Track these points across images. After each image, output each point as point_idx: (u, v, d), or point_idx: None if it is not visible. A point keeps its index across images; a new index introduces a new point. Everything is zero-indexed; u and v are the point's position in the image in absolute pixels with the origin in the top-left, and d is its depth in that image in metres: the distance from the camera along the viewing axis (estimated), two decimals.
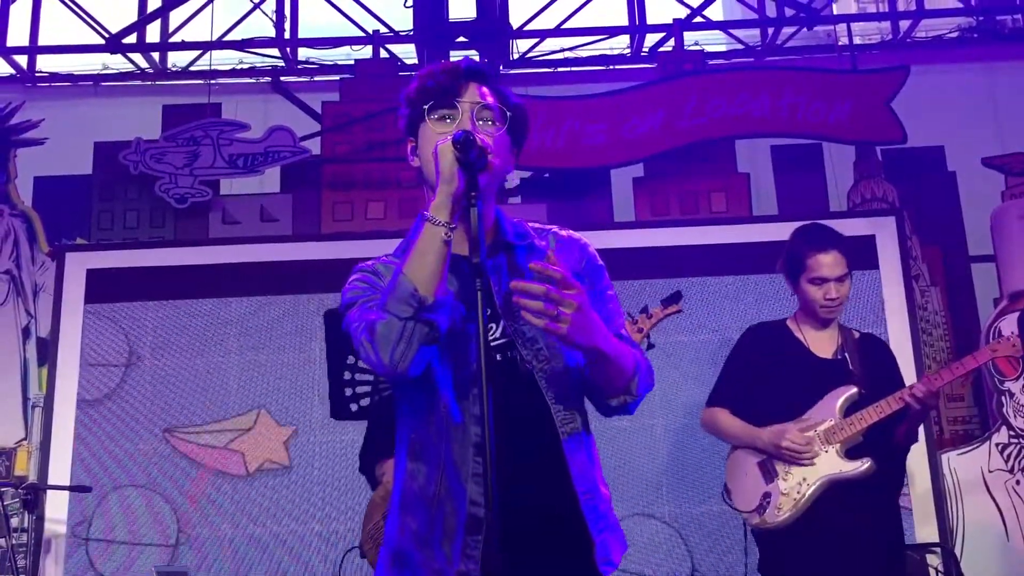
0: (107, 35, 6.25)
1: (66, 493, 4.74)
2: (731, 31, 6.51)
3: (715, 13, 6.70)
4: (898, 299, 4.99)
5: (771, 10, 6.38)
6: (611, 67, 6.34)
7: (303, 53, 6.42)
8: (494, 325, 1.85)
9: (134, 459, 4.89)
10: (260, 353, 5.02)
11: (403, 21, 6.24)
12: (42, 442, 4.93)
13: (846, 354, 3.27)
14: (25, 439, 5.14)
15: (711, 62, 6.09)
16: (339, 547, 4.69)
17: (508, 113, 1.87)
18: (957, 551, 4.69)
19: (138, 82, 6.42)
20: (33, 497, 4.49)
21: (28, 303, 5.41)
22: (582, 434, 1.87)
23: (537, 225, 2.02)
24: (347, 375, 4.91)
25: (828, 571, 3.00)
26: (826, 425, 3.16)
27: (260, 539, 4.77)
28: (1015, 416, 4.99)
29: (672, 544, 4.71)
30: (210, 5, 6.37)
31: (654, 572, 4.65)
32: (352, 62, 6.10)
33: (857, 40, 6.14)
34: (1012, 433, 4.98)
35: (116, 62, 6.41)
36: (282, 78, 6.21)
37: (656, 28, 6.27)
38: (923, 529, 4.66)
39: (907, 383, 3.31)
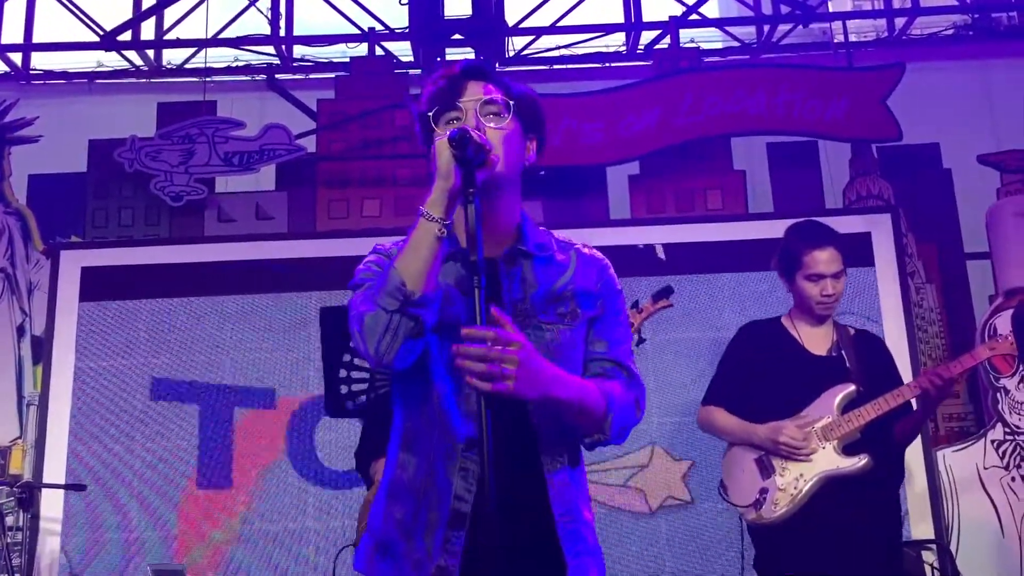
0: (102, 32, 6.24)
1: (61, 492, 4.73)
2: (727, 28, 6.51)
3: (711, 10, 6.70)
4: (894, 296, 4.99)
5: (767, 7, 6.39)
6: (607, 64, 6.34)
7: (298, 51, 6.41)
8: None
9: (128, 457, 4.88)
10: (256, 351, 5.01)
11: (399, 18, 6.24)
12: (37, 440, 4.92)
13: (842, 351, 3.27)
14: (20, 437, 5.13)
15: (707, 59, 6.09)
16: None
17: (512, 103, 1.86)
18: (953, 548, 4.70)
19: (133, 80, 6.41)
20: (28, 496, 4.48)
21: (23, 301, 5.40)
22: (565, 460, 1.85)
23: (564, 238, 2.00)
24: (343, 372, 4.90)
25: (825, 567, 3.00)
26: (824, 422, 3.16)
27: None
28: (1010, 413, 5.00)
29: (668, 541, 4.71)
30: (205, 2, 6.34)
31: (650, 570, 4.65)
32: (348, 60, 6.10)
33: (852, 37, 6.13)
34: (1007, 430, 4.99)
35: (111, 59, 6.40)
36: (277, 76, 6.20)
37: (652, 25, 6.28)
38: (919, 526, 4.67)
39: (904, 380, 3.31)
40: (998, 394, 5.04)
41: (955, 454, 4.97)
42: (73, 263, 5.16)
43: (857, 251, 4.70)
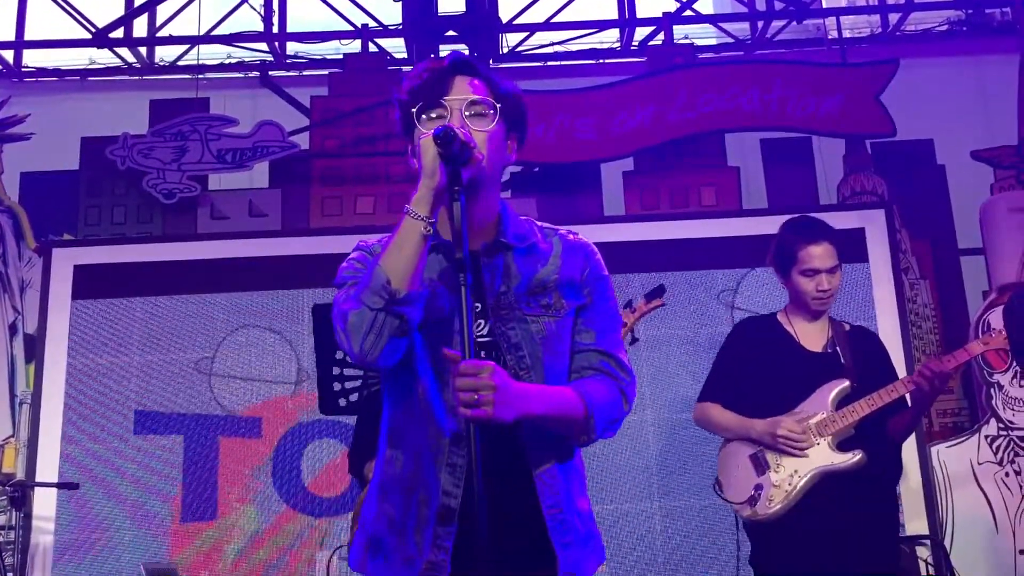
0: (94, 30, 6.22)
1: (54, 490, 4.71)
2: (721, 25, 6.51)
3: (705, 7, 6.70)
4: (888, 292, 5.00)
5: (761, 4, 6.40)
6: (601, 61, 6.34)
7: (292, 48, 6.40)
8: (483, 322, 1.84)
9: (121, 455, 4.87)
10: (249, 349, 5.00)
11: (392, 15, 6.24)
12: (30, 439, 4.91)
13: (837, 347, 3.27)
14: (12, 436, 5.11)
15: (701, 56, 6.10)
16: None
17: (498, 105, 1.85)
18: (947, 543, 4.71)
19: (125, 77, 6.40)
20: (21, 494, 4.47)
21: (15, 299, 5.38)
22: (553, 456, 1.84)
23: (547, 226, 1.99)
24: (336, 370, 4.89)
25: (820, 563, 3.00)
26: (818, 418, 3.15)
27: None
28: (1004, 408, 5.01)
29: (663, 537, 4.71)
30: None
31: (646, 565, 4.65)
32: (341, 56, 6.09)
33: (846, 34, 6.15)
34: (1001, 425, 5.00)
35: (103, 57, 6.39)
36: (270, 73, 6.19)
37: (646, 22, 6.28)
38: (913, 521, 4.68)
39: (898, 376, 3.31)
40: (992, 389, 5.05)
41: (949, 449, 4.98)
42: (65, 261, 5.14)
43: (851, 247, 4.70)
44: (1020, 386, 5.02)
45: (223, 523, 4.80)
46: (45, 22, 6.42)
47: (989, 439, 4.99)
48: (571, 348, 1.89)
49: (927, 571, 4.48)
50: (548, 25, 6.34)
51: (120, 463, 4.86)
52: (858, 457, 3.10)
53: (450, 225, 1.69)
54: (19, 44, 6.28)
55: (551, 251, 1.92)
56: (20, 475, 4.88)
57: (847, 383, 3.18)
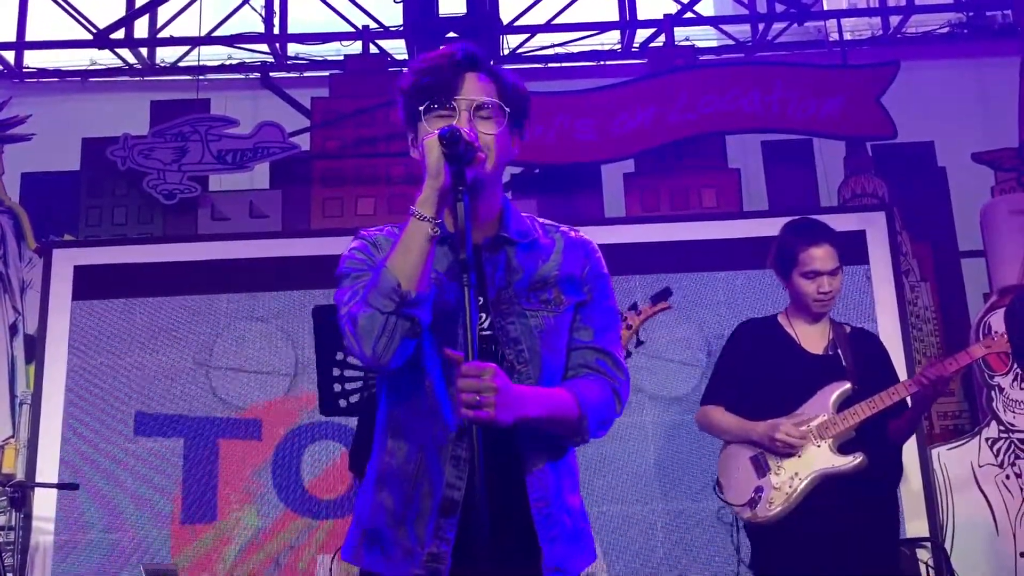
0: (95, 30, 6.22)
1: (54, 491, 4.71)
2: (721, 27, 6.51)
3: (705, 9, 6.70)
4: (888, 294, 5.00)
5: (762, 6, 6.40)
6: (602, 63, 6.34)
7: (292, 49, 6.40)
8: (484, 315, 1.85)
9: (121, 456, 4.86)
10: (250, 349, 5.00)
11: (393, 16, 6.23)
12: (30, 440, 4.90)
13: (838, 349, 3.27)
14: (12, 437, 5.11)
15: (702, 58, 6.10)
16: None
17: (507, 109, 1.85)
18: (947, 546, 4.70)
19: (126, 78, 6.40)
20: (20, 495, 4.47)
21: (15, 300, 5.37)
22: (544, 450, 1.85)
23: (549, 223, 1.99)
24: (336, 371, 4.89)
25: (820, 566, 3.00)
26: (819, 420, 3.15)
27: None
28: (1005, 411, 5.00)
29: (663, 539, 4.71)
30: (199, 1, 6.33)
31: (646, 568, 4.64)
32: (342, 58, 6.09)
33: (847, 36, 6.14)
34: (1002, 428, 4.99)
35: (104, 58, 6.39)
36: (271, 74, 6.20)
37: (647, 24, 6.28)
38: (913, 524, 4.67)
39: (900, 378, 3.31)
40: (992, 392, 5.05)
41: (950, 452, 4.97)
42: (66, 261, 5.14)
43: (851, 249, 4.69)
44: (1021, 388, 5.01)
45: (223, 524, 4.79)
46: (46, 23, 6.43)
47: (990, 441, 4.99)
48: (568, 344, 1.90)
49: (927, 574, 4.48)
50: (549, 27, 6.34)
51: (120, 464, 4.86)
52: (859, 460, 3.10)
53: (454, 224, 1.70)
54: (20, 45, 6.29)
55: (553, 247, 1.93)
56: (20, 476, 4.87)
57: (848, 385, 3.18)
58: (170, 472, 4.85)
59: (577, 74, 6.10)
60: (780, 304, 3.46)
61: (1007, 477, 4.91)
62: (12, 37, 6.27)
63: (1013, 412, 5.00)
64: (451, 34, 5.88)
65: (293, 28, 6.37)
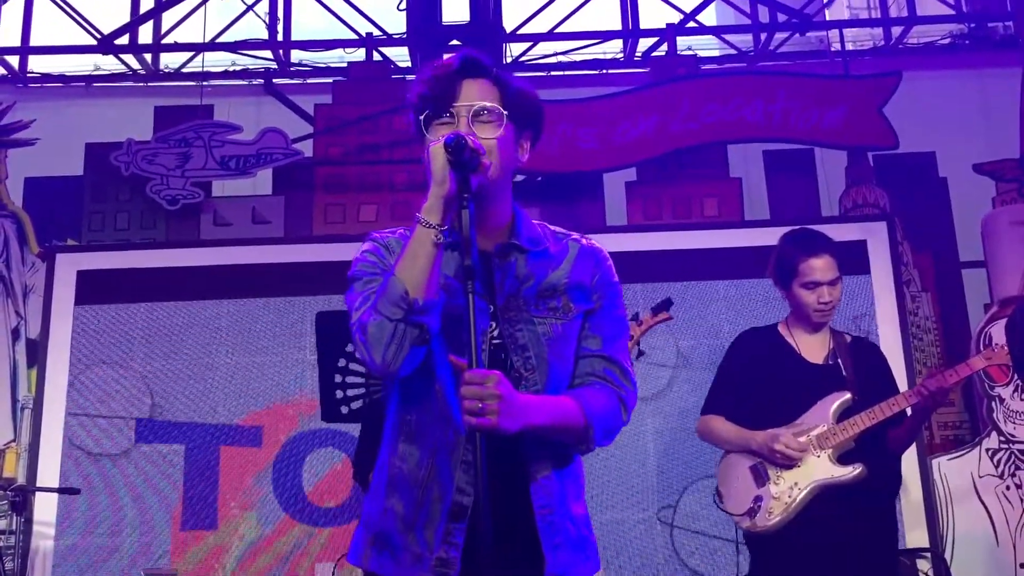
0: (99, 36, 6.24)
1: (55, 495, 4.72)
2: (724, 36, 6.53)
3: (708, 18, 6.72)
4: (889, 305, 5.00)
5: (764, 15, 6.41)
6: (604, 71, 6.35)
7: (296, 55, 6.42)
8: (494, 323, 1.85)
9: (122, 461, 4.87)
10: (252, 355, 5.01)
11: (396, 24, 6.26)
12: (31, 444, 4.91)
13: (838, 359, 3.27)
14: (14, 441, 5.11)
15: (704, 67, 6.11)
16: None
17: (506, 112, 1.84)
18: (947, 556, 4.70)
19: (130, 83, 6.42)
20: (21, 499, 4.47)
21: (18, 304, 5.38)
22: (550, 459, 1.85)
23: (561, 231, 1.99)
24: (338, 377, 4.89)
25: None
26: (819, 430, 3.16)
27: None
28: (1005, 422, 5.00)
29: (663, 548, 4.71)
30: (203, 7, 6.36)
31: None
32: (345, 64, 6.11)
33: (849, 46, 6.16)
34: (1002, 438, 4.99)
35: (108, 63, 6.41)
36: (275, 80, 6.20)
37: (649, 33, 6.29)
38: (913, 534, 4.67)
39: (900, 387, 3.31)
40: (993, 403, 5.05)
41: (950, 462, 4.97)
42: (69, 266, 5.16)
43: (853, 259, 4.70)
44: (1021, 399, 5.01)
45: (223, 531, 4.79)
46: (51, 28, 6.46)
47: (990, 452, 4.99)
48: (576, 352, 1.90)
49: None
50: (552, 35, 6.36)
51: (121, 469, 4.86)
52: (858, 471, 3.10)
53: (459, 232, 1.71)
54: (24, 50, 6.31)
55: (563, 255, 1.93)
56: (21, 480, 4.88)
57: (849, 395, 3.18)
58: (171, 478, 4.86)
59: (580, 83, 6.11)
60: (781, 313, 3.46)
61: (1007, 488, 4.91)
62: (17, 42, 6.30)
63: (1014, 423, 5.00)
64: (455, 42, 5.91)
65: (297, 35, 6.39)
